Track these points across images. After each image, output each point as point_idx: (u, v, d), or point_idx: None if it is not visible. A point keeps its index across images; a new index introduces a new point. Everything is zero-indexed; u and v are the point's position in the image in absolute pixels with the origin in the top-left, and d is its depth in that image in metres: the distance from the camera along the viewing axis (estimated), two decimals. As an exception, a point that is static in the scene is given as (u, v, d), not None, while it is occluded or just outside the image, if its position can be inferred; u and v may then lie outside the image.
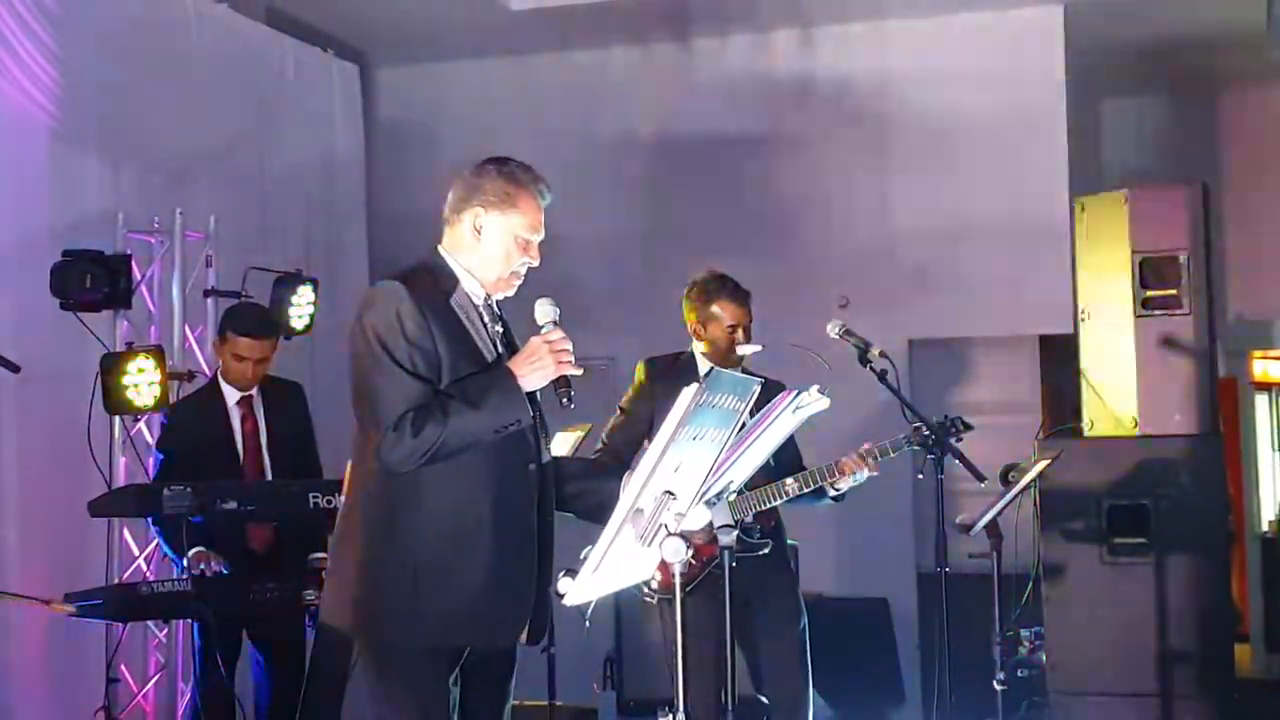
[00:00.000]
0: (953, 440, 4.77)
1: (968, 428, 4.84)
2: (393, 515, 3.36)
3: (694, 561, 4.53)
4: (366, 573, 3.37)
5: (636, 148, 8.30)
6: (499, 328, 3.54)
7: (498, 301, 3.57)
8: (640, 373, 5.06)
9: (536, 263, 3.54)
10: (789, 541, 5.15)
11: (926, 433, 4.76)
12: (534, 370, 3.37)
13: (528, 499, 3.44)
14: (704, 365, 4.97)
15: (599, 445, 5.04)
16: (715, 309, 4.97)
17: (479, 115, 8.48)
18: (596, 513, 3.47)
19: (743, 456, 3.39)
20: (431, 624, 3.34)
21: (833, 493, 4.77)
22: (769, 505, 4.79)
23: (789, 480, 4.75)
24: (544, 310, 3.44)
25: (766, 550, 4.80)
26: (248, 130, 7.24)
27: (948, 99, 7.80)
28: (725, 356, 4.95)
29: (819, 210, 7.92)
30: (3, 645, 5.80)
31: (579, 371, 3.41)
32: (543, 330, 3.42)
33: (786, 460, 4.82)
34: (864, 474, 4.71)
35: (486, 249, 3.48)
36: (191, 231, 6.46)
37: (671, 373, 4.94)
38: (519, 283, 3.54)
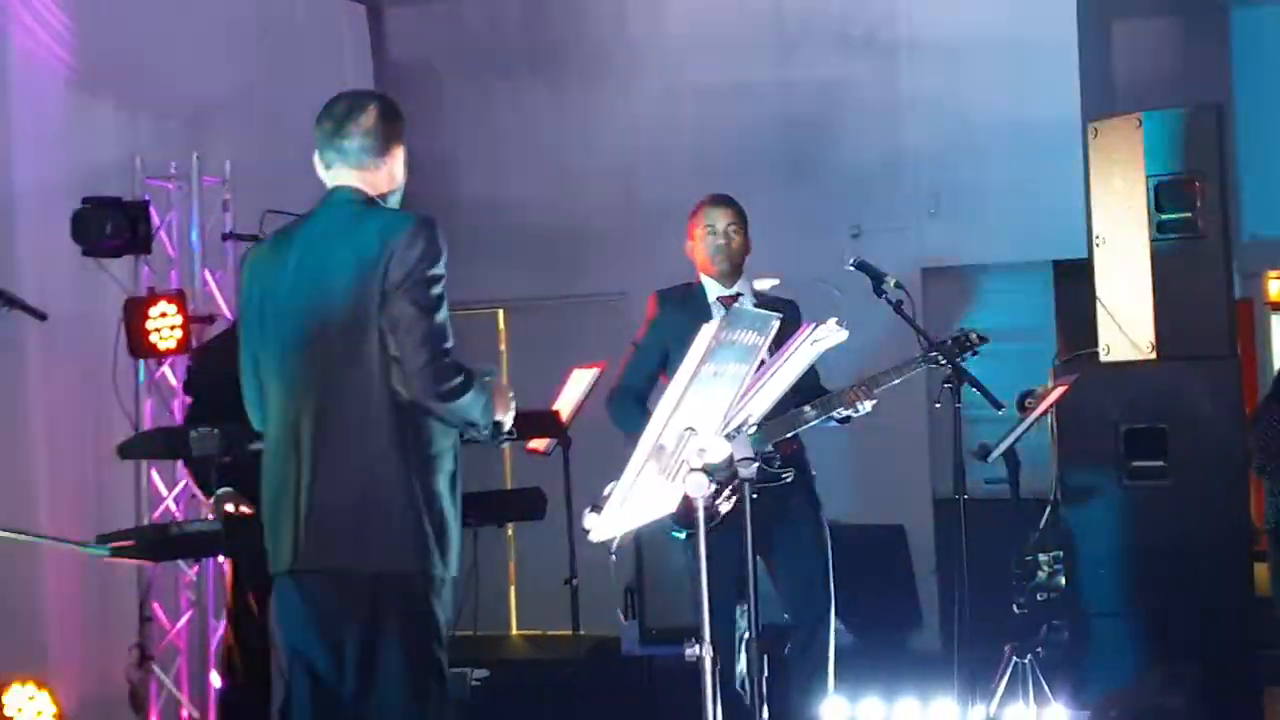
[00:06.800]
0: (965, 356, 4.79)
1: (983, 340, 4.85)
2: (433, 452, 3.48)
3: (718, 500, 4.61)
4: (423, 509, 3.45)
5: (645, 82, 8.28)
6: None
7: None
8: (651, 306, 5.08)
9: None
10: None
11: (939, 358, 4.78)
12: (502, 405, 3.57)
13: None
14: (712, 291, 5.00)
15: (615, 382, 5.07)
16: (695, 218, 5.03)
17: (487, 55, 8.46)
18: None
19: (762, 390, 3.44)
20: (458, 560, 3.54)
21: (839, 417, 4.80)
22: (789, 434, 4.82)
23: (807, 408, 4.77)
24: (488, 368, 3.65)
25: (789, 478, 4.86)
26: (260, 73, 7.24)
27: (958, 23, 7.76)
28: (713, 259, 4.96)
29: (830, 139, 7.91)
30: (38, 587, 5.89)
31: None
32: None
33: (807, 386, 4.86)
34: (867, 405, 4.76)
35: (401, 182, 3.65)
36: (208, 176, 6.49)
37: (682, 303, 4.98)
38: None
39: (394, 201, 3.64)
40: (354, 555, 3.46)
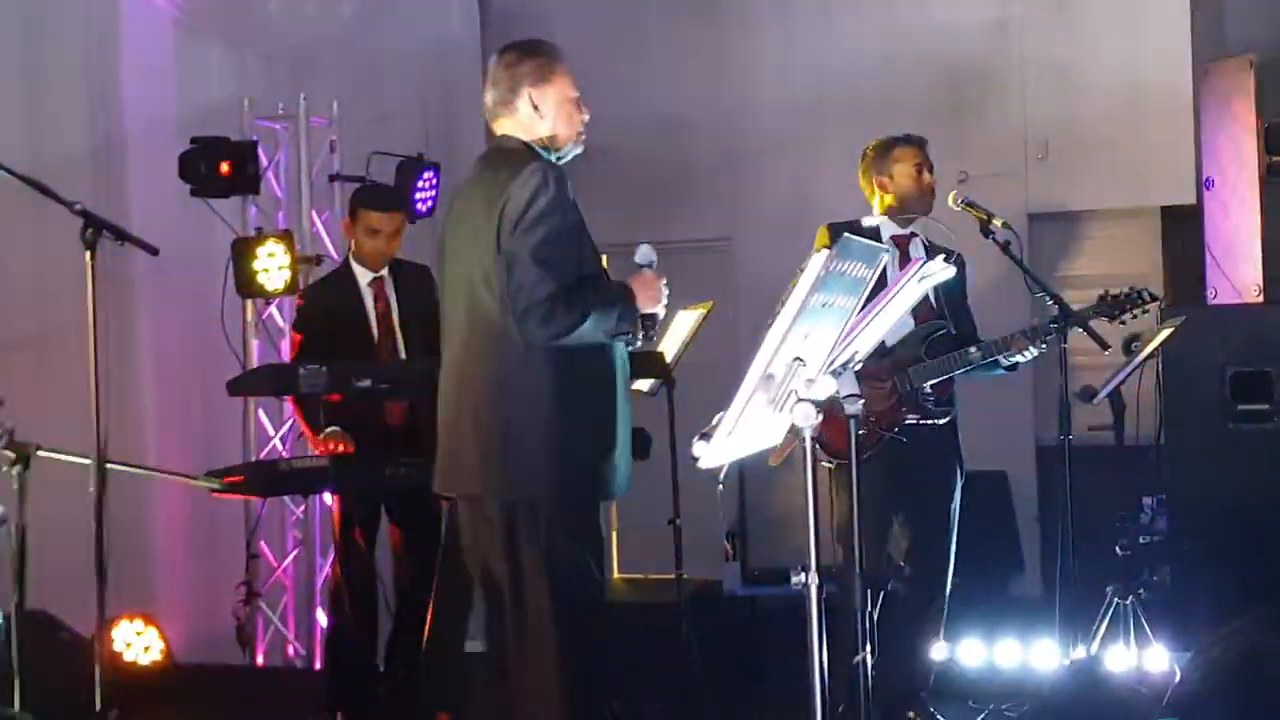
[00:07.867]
0: (1136, 314, 4.74)
1: (1154, 299, 4.78)
2: (570, 382, 3.63)
3: (869, 427, 4.62)
4: (557, 441, 3.62)
5: (756, 25, 8.21)
6: None
7: None
8: (823, 238, 4.86)
9: (588, 116, 3.91)
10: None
11: (1110, 311, 4.72)
12: (647, 297, 3.72)
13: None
14: (886, 229, 4.91)
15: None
16: (896, 155, 4.94)
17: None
18: None
19: (869, 326, 3.43)
20: (606, 485, 3.71)
21: (1006, 363, 4.78)
22: (952, 373, 4.80)
23: (972, 349, 4.76)
24: (645, 254, 3.79)
25: (943, 420, 4.84)
26: (365, 14, 7.28)
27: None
28: (921, 197, 4.92)
29: (938, 84, 7.80)
30: (147, 524, 6.03)
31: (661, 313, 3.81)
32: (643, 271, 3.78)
33: (962, 332, 4.87)
34: (1033, 350, 4.72)
35: (551, 119, 3.83)
36: (316, 117, 6.54)
37: None
38: (584, 138, 3.93)
39: (566, 150, 3.87)
40: (485, 483, 3.71)
